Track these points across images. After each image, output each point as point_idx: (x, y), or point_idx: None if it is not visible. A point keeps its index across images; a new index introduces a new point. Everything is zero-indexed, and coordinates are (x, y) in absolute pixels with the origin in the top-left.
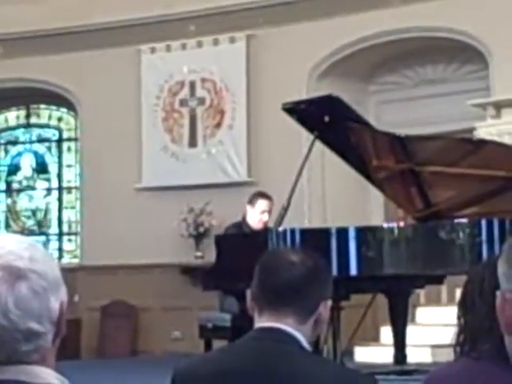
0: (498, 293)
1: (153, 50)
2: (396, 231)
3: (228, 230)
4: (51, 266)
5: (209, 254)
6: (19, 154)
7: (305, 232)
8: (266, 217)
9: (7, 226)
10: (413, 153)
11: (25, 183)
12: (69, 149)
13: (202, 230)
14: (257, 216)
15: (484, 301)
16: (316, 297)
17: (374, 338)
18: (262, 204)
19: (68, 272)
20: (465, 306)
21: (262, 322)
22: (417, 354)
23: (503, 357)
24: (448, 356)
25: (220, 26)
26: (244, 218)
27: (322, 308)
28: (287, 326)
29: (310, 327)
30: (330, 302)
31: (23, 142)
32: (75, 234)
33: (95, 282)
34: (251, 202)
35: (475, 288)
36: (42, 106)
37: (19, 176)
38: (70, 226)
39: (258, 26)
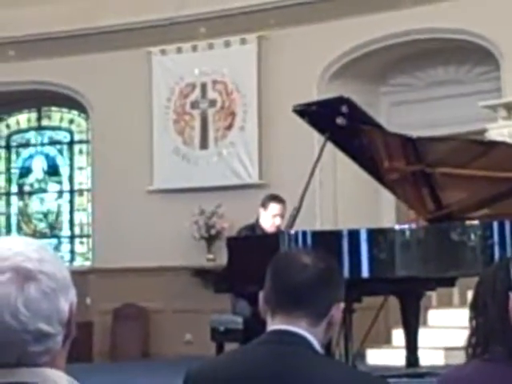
0: (511, 294)
1: (163, 52)
2: (407, 233)
3: (241, 232)
4: (60, 267)
5: (220, 257)
6: (31, 157)
7: (316, 234)
8: (278, 221)
9: (19, 229)
10: (424, 154)
11: (36, 186)
12: (80, 151)
13: (213, 232)
14: (269, 219)
15: (496, 302)
16: (328, 299)
17: (386, 341)
18: (274, 208)
19: (80, 275)
20: (477, 308)
21: (274, 324)
22: (429, 357)
23: None
24: (461, 358)
25: (231, 28)
26: (257, 221)
27: (335, 310)
28: (300, 328)
29: (322, 330)
30: (342, 305)
31: (35, 145)
32: (87, 236)
33: (107, 284)
34: (264, 204)
35: (487, 290)
36: (54, 108)
37: (31, 178)
38: (81, 229)
39: (269, 28)
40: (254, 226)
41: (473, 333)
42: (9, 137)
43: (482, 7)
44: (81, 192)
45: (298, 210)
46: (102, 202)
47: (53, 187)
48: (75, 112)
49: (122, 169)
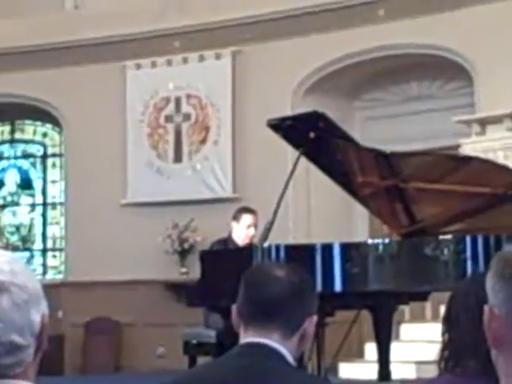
0: (486, 307)
1: (138, 66)
2: (381, 247)
3: (213, 246)
4: (32, 279)
5: (193, 270)
6: (3, 170)
7: (290, 248)
8: (252, 231)
9: None
10: (398, 169)
11: (9, 199)
12: (53, 164)
13: (186, 246)
14: (243, 231)
15: (469, 317)
16: (301, 312)
17: (359, 355)
18: (247, 219)
19: (52, 288)
20: (449, 322)
21: (247, 337)
22: (401, 371)
23: (488, 372)
24: (432, 372)
25: (205, 43)
26: (230, 235)
27: (308, 324)
28: (273, 341)
29: (295, 343)
30: (315, 318)
31: (8, 158)
32: (59, 249)
33: (79, 298)
34: (236, 217)
35: (460, 303)
36: (27, 121)
37: (3, 191)
38: (54, 242)
39: (244, 43)
40: (226, 240)
41: (445, 347)
42: None
43: (455, 23)
44: (54, 205)
45: (271, 223)
46: (75, 215)
47: (26, 200)
48: (49, 125)
49: (95, 182)
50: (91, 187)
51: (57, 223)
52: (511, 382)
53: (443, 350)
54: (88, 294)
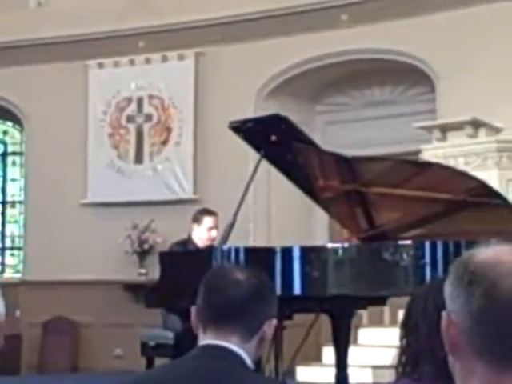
0: (444, 313)
1: (101, 66)
2: (340, 251)
3: (173, 247)
4: None
5: (153, 271)
6: None
7: (249, 251)
8: (214, 233)
9: None
10: (358, 174)
11: None
12: (13, 163)
13: (146, 246)
14: (204, 233)
15: (426, 322)
16: (261, 315)
17: (317, 358)
18: (208, 221)
19: (10, 287)
20: (407, 327)
21: (206, 339)
22: (358, 375)
23: (444, 378)
24: (389, 377)
25: (169, 43)
26: (190, 236)
27: (267, 326)
28: (231, 343)
29: (254, 345)
30: (274, 321)
31: None
32: (18, 248)
33: (37, 297)
34: (197, 219)
35: (418, 309)
36: None
37: None
38: (13, 241)
39: (207, 44)
40: (187, 242)
41: (403, 351)
42: None
43: (418, 29)
44: (13, 204)
45: (231, 226)
46: (35, 214)
47: None
48: (9, 123)
49: (55, 181)
50: (51, 186)
51: (16, 222)
52: None
53: (401, 354)
54: (46, 294)
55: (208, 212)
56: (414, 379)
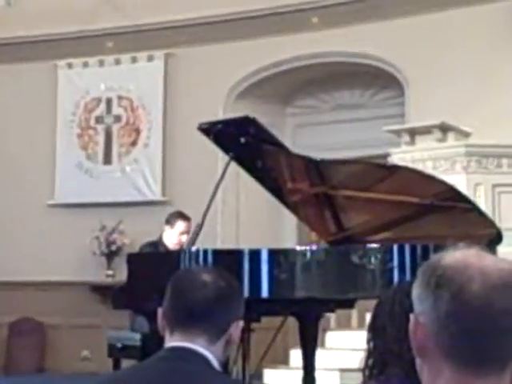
0: (412, 316)
1: (70, 66)
2: (308, 254)
3: (143, 248)
4: None
5: (120, 273)
6: None
7: (217, 252)
8: (184, 238)
9: None
10: (327, 176)
11: None
12: None
13: (113, 248)
14: (175, 237)
15: (394, 325)
16: (227, 317)
17: (284, 361)
18: (181, 225)
19: None
20: (375, 330)
21: (172, 341)
22: (325, 378)
23: (412, 380)
24: (356, 380)
25: (138, 44)
26: (161, 238)
27: (234, 328)
28: (198, 345)
29: (220, 347)
30: (241, 323)
31: None
32: None
33: (3, 297)
34: (170, 222)
35: (385, 311)
36: None
37: None
38: None
39: (177, 45)
40: (157, 243)
41: (370, 354)
42: None
43: (388, 33)
44: None
45: (200, 227)
46: (2, 214)
47: None
48: None
49: (22, 181)
50: (18, 186)
51: None
52: None
53: (368, 357)
54: (12, 294)
55: (182, 216)
56: (381, 382)
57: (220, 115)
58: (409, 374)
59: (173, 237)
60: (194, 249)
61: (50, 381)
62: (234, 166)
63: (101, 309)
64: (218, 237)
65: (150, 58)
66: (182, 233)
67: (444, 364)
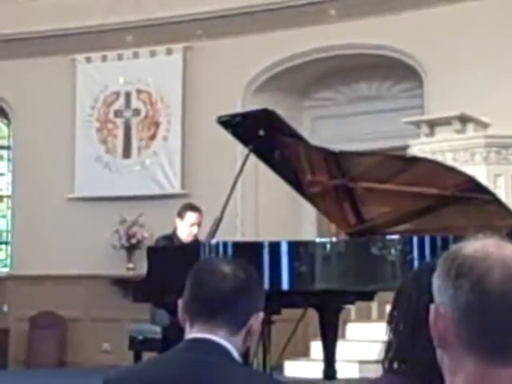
0: (432, 306)
1: (88, 60)
2: (328, 246)
3: (158, 241)
4: None
5: (140, 266)
6: None
7: (237, 245)
8: (195, 229)
9: None
10: (346, 168)
11: None
12: (1, 157)
13: (134, 241)
14: (186, 229)
15: (412, 316)
16: (248, 309)
17: (304, 353)
18: (190, 217)
19: None
20: (393, 322)
21: (193, 333)
22: (346, 370)
23: (431, 373)
24: (376, 372)
25: (157, 38)
26: (174, 231)
27: (254, 320)
28: (218, 337)
29: (241, 339)
30: (261, 315)
31: None
32: (6, 243)
33: (25, 291)
34: (180, 214)
35: (404, 303)
36: None
37: None
38: (0, 235)
39: (195, 39)
40: (172, 236)
41: (389, 347)
42: None
43: (406, 24)
44: (1, 198)
45: (219, 220)
46: (22, 208)
47: None
48: None
49: (43, 176)
50: (39, 181)
51: (3, 216)
52: (456, 381)
53: (387, 349)
54: (34, 288)
55: (191, 208)
56: (401, 374)
57: (238, 108)
58: (428, 365)
59: (184, 229)
60: (213, 241)
61: (70, 374)
62: (252, 158)
63: (121, 302)
64: (238, 230)
65: (169, 52)
66: (192, 224)
67: (465, 355)
